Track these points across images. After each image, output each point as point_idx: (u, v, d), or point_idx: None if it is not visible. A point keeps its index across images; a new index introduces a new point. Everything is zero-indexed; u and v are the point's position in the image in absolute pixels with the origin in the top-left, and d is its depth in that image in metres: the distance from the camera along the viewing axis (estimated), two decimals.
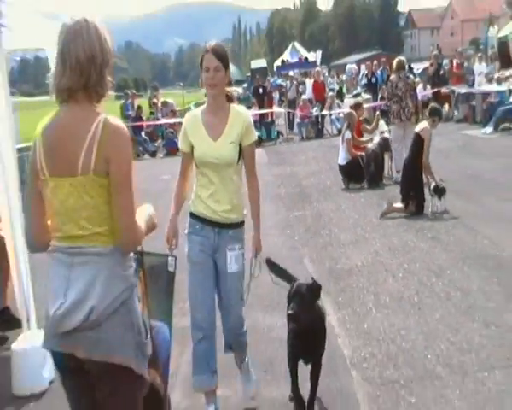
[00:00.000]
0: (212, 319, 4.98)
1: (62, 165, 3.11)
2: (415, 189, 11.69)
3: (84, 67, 3.12)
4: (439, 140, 17.30)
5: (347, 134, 14.96)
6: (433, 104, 13.21)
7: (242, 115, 4.96)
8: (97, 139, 3.08)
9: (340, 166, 14.98)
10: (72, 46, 3.12)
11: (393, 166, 14.83)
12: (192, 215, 5.01)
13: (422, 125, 12.07)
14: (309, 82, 30.40)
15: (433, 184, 11.56)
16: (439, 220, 10.96)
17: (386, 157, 15.11)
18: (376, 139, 15.15)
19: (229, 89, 5.01)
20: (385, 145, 14.91)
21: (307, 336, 4.87)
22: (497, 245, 9.20)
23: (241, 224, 5.00)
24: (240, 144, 4.86)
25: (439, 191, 11.49)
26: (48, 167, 3.13)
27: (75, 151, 3.07)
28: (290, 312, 4.71)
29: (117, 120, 3.21)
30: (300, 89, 30.21)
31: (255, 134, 5.06)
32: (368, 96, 24.97)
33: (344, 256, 9.43)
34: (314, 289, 4.88)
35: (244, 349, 5.35)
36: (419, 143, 11.69)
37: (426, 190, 11.63)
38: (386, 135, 15.15)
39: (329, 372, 5.59)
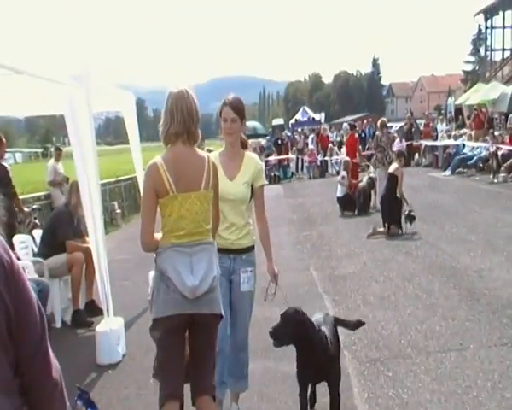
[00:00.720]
0: (226, 332, 4.28)
1: (189, 184, 3.48)
2: (393, 216, 11.66)
3: (186, 119, 3.48)
4: (412, 180, 17.28)
5: (344, 174, 15.21)
6: (399, 150, 13.51)
7: (254, 161, 4.43)
8: (210, 167, 3.59)
9: (338, 198, 15.05)
10: (178, 104, 3.50)
11: (377, 199, 14.80)
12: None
13: (394, 166, 12.12)
14: (311, 136, 30.55)
15: (406, 212, 11.54)
16: (411, 240, 10.91)
17: (372, 192, 15.10)
18: (365, 179, 15.13)
19: (245, 137, 4.49)
20: (371, 183, 14.92)
21: (307, 358, 4.09)
22: (453, 258, 9.15)
23: (252, 248, 4.40)
24: (252, 186, 4.34)
25: (410, 218, 11.48)
26: (176, 186, 3.44)
27: (198, 175, 3.53)
28: (270, 329, 4.01)
29: (212, 157, 3.80)
30: (307, 141, 30.21)
31: (264, 179, 4.55)
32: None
33: (340, 266, 9.41)
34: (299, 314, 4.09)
35: (243, 373, 4.52)
36: (393, 181, 11.74)
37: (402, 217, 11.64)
38: (372, 175, 15.15)
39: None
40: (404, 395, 4.84)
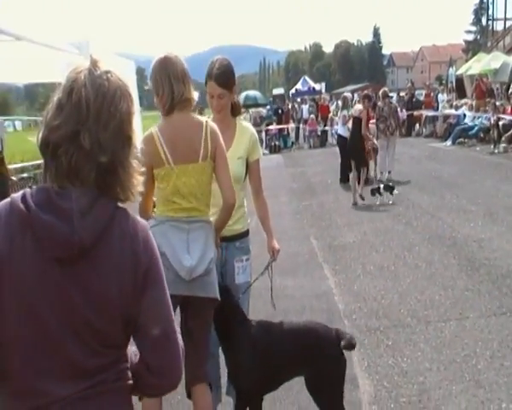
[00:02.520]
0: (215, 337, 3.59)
1: (186, 155, 3.19)
2: (360, 157, 12.28)
3: (179, 84, 3.20)
4: (412, 150, 17.23)
5: (344, 112, 14.81)
6: (365, 92, 13.58)
7: (249, 131, 3.83)
8: (208, 135, 3.23)
9: (340, 136, 14.79)
10: (169, 70, 3.21)
11: (378, 170, 14.75)
12: None
13: (358, 108, 12.64)
14: (305, 106, 30.38)
15: (383, 185, 12.04)
16: (411, 210, 10.87)
17: (372, 162, 14.94)
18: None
19: (236, 101, 3.83)
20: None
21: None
22: (453, 228, 9.13)
23: (246, 233, 3.81)
24: (246, 160, 3.77)
25: (389, 188, 11.76)
26: (173, 157, 3.18)
27: (195, 145, 3.21)
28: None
29: (211, 122, 3.36)
30: (310, 110, 30.03)
31: (260, 151, 3.94)
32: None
33: (340, 235, 9.40)
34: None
35: None
36: (357, 123, 12.28)
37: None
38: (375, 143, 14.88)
39: (327, 321, 5.57)
40: (404, 363, 4.87)
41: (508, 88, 22.15)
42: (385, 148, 14.59)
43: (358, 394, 4.44)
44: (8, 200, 1.60)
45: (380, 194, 11.72)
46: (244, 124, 3.91)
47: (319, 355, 3.39)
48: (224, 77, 3.58)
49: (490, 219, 9.56)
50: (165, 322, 1.70)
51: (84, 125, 1.57)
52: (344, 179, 14.37)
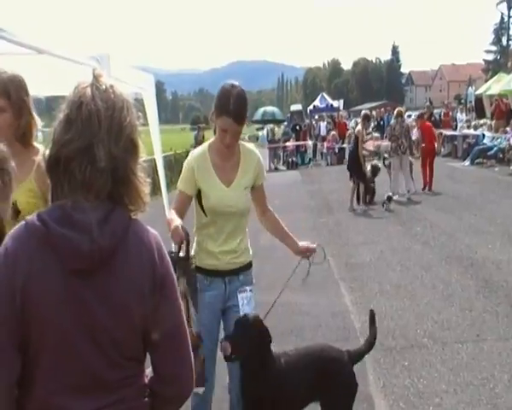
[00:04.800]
0: (211, 385, 3.43)
1: None
2: (358, 171, 13.41)
3: None
4: None
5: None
6: (364, 112, 14.54)
7: (255, 157, 3.49)
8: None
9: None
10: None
11: (391, 187, 14.62)
12: (198, 269, 3.37)
13: (358, 128, 13.92)
14: (323, 124, 30.55)
15: (386, 195, 13.32)
16: (428, 229, 10.79)
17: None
18: (368, 167, 14.23)
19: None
20: (374, 172, 14.32)
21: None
22: (470, 249, 9.06)
23: (250, 264, 3.54)
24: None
25: (389, 199, 13.23)
26: None
27: None
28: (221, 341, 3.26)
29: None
30: (327, 127, 30.06)
31: (265, 173, 3.63)
32: (377, 134, 24.97)
33: (357, 253, 9.36)
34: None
35: None
36: (356, 141, 13.56)
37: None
38: (376, 163, 14.74)
39: (343, 339, 5.58)
40: (420, 384, 4.82)
41: None
42: (397, 167, 14.57)
43: None
44: (22, 223, 1.62)
45: (385, 204, 13.15)
46: (248, 147, 3.53)
47: (335, 381, 3.37)
48: (243, 114, 3.25)
49: (508, 240, 9.46)
50: (179, 330, 1.73)
51: (97, 137, 1.59)
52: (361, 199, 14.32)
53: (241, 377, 3.25)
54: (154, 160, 10.06)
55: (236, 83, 3.29)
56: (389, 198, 13.31)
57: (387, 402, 4.56)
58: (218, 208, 3.33)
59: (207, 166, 3.36)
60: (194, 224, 3.48)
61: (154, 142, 8.76)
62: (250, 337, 3.12)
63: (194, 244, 3.45)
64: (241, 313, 3.32)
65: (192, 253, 3.33)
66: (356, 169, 13.48)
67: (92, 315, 1.58)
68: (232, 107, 3.17)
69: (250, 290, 3.48)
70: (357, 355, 3.63)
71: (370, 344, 3.74)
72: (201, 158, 3.39)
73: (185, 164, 3.43)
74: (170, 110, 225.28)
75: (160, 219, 9.46)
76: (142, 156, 1.73)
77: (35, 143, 2.92)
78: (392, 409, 4.45)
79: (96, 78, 1.68)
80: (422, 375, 4.97)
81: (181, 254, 3.09)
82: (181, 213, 3.31)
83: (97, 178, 1.59)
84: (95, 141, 1.59)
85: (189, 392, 1.78)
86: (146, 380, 1.75)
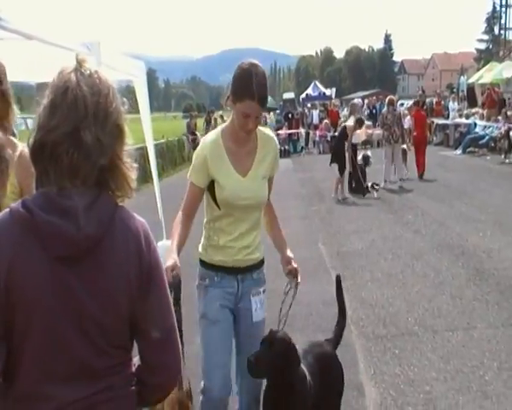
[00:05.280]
0: (229, 388, 3.14)
1: None
2: (340, 159, 13.31)
3: None
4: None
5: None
6: (358, 117, 14.25)
7: (272, 142, 3.18)
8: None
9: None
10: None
11: (384, 176, 14.68)
12: (206, 265, 3.13)
13: (350, 124, 13.64)
14: (315, 112, 30.55)
15: (370, 183, 13.50)
16: (420, 217, 10.82)
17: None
18: (360, 157, 14.23)
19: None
20: (366, 161, 14.25)
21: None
22: (461, 237, 9.09)
23: (262, 262, 3.22)
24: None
25: (373, 187, 13.48)
26: None
27: None
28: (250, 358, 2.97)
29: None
30: (320, 115, 30.06)
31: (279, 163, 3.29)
32: (369, 123, 24.93)
33: (348, 242, 9.37)
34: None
35: None
36: (344, 132, 13.52)
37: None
38: (368, 153, 14.78)
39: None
40: (410, 372, 4.83)
41: None
42: (389, 156, 14.62)
43: (365, 401, 4.41)
44: (6, 209, 1.60)
45: (369, 191, 13.41)
46: (265, 132, 3.20)
47: (331, 376, 3.38)
48: (267, 95, 2.94)
49: (499, 228, 9.51)
50: (167, 319, 1.72)
51: (83, 122, 1.57)
52: (352, 188, 14.30)
53: (266, 389, 3.13)
54: (146, 148, 10.02)
55: (255, 61, 2.96)
56: (372, 186, 13.50)
57: (378, 390, 4.57)
58: (232, 201, 3.00)
59: (221, 154, 3.02)
60: (204, 215, 3.19)
61: (145, 129, 8.71)
62: (275, 358, 2.95)
63: (203, 239, 3.19)
64: (254, 319, 3.13)
65: (199, 249, 3.18)
66: (340, 161, 13.32)
67: (79, 302, 1.57)
68: (256, 88, 2.84)
69: (263, 292, 3.20)
70: (337, 342, 3.60)
71: (343, 320, 3.71)
72: (214, 145, 3.04)
73: (196, 152, 3.13)
74: (162, 98, 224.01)
75: (151, 206, 9.50)
76: (128, 142, 1.71)
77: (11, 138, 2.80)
78: (382, 397, 4.46)
79: (79, 63, 1.65)
80: (413, 363, 4.99)
81: None
82: (191, 213, 3.09)
83: (85, 164, 1.58)
84: (81, 126, 1.57)
85: (175, 382, 1.78)
86: (133, 369, 1.74)
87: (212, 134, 3.13)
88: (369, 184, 13.54)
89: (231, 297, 3.12)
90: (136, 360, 1.76)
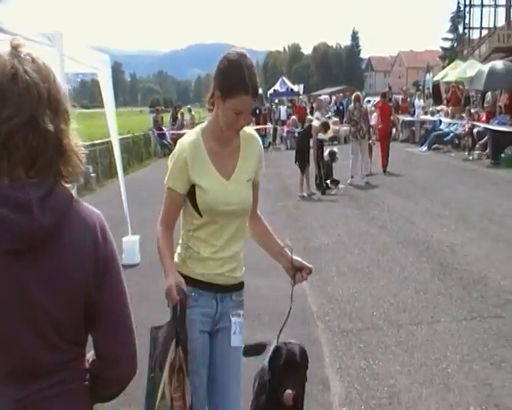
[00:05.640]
0: None
1: None
2: (303, 157, 13.33)
3: None
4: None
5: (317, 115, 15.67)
6: (324, 121, 14.64)
7: (257, 142, 2.90)
8: None
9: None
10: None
11: (350, 173, 14.80)
12: (185, 279, 2.65)
13: (316, 125, 13.69)
14: (283, 108, 30.72)
15: (330, 179, 13.67)
16: (385, 213, 10.94)
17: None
18: (326, 153, 14.29)
19: None
20: (332, 157, 14.32)
21: None
22: (426, 233, 9.23)
23: (243, 284, 2.92)
24: None
25: (335, 182, 13.72)
26: None
27: None
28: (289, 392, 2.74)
29: None
30: (287, 111, 30.15)
31: (264, 168, 3.01)
32: (336, 119, 25.14)
33: (315, 237, 9.42)
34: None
35: None
36: (309, 131, 13.68)
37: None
38: (334, 150, 14.88)
39: (300, 322, 5.62)
40: (375, 365, 4.88)
41: (483, 96, 22.42)
42: (356, 152, 14.75)
43: (330, 395, 4.44)
44: None
45: (329, 187, 13.56)
46: (248, 131, 2.88)
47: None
48: (258, 87, 2.68)
49: (462, 224, 9.68)
50: (122, 310, 1.70)
51: (39, 110, 1.52)
52: (317, 184, 14.37)
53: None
54: (111, 142, 9.90)
55: (242, 50, 2.70)
56: (333, 182, 13.69)
57: (343, 384, 4.61)
58: (216, 207, 2.70)
59: (202, 156, 2.72)
60: (181, 224, 2.87)
61: (109, 124, 8.61)
62: (303, 378, 2.85)
63: (180, 249, 2.85)
64: (232, 343, 2.81)
65: (176, 259, 2.82)
66: (302, 159, 13.37)
67: (30, 297, 1.53)
68: (249, 81, 2.57)
69: (242, 315, 2.89)
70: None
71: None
72: (194, 146, 2.72)
73: (174, 155, 2.76)
74: (128, 92, 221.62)
75: (116, 201, 9.31)
76: (73, 125, 1.66)
77: None
78: (347, 391, 4.50)
79: (14, 48, 1.57)
80: (378, 356, 5.05)
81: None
82: (172, 223, 2.79)
83: (44, 152, 1.53)
84: (37, 114, 1.52)
85: (130, 375, 1.74)
86: (87, 364, 1.71)
87: (191, 134, 2.82)
88: (329, 181, 13.60)
89: (209, 320, 2.79)
90: (90, 355, 1.73)
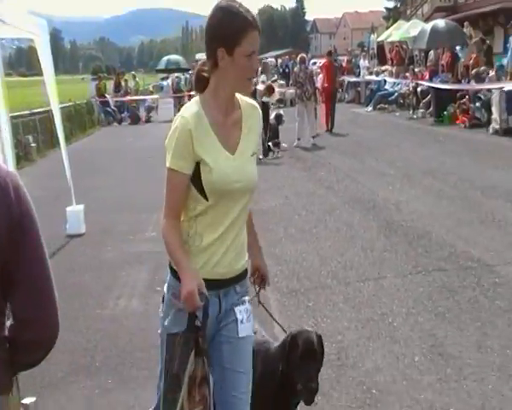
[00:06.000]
0: None
1: None
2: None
3: None
4: (335, 115, 17.39)
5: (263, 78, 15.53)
6: (269, 83, 14.44)
7: (258, 113, 2.58)
8: None
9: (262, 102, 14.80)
10: None
11: (296, 134, 14.82)
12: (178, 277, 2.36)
13: (261, 87, 13.41)
14: None
15: (273, 142, 13.40)
16: (332, 173, 11.05)
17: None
18: (273, 115, 14.33)
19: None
20: (278, 119, 14.39)
21: None
22: (372, 191, 9.37)
23: (247, 270, 2.60)
24: None
25: (277, 144, 13.52)
26: None
27: None
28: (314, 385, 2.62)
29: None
30: None
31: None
32: (282, 82, 25.16)
33: (262, 200, 9.37)
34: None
35: None
36: (253, 97, 13.29)
37: None
38: (281, 112, 14.93)
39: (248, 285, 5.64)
40: (323, 323, 4.96)
41: (426, 55, 22.72)
42: (302, 114, 14.78)
43: None
44: None
45: (271, 150, 13.29)
46: (248, 100, 2.58)
47: None
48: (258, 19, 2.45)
49: (407, 182, 9.87)
50: (41, 270, 1.66)
51: None
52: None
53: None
54: (51, 111, 9.62)
55: None
56: (275, 145, 13.51)
57: None
58: (224, 186, 2.36)
59: (205, 128, 2.38)
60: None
61: (49, 92, 8.36)
62: (320, 367, 2.77)
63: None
64: (240, 334, 2.47)
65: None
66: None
67: None
68: (250, 15, 2.36)
69: (249, 301, 2.57)
70: None
71: None
72: (197, 116, 2.38)
73: (175, 130, 2.37)
74: (69, 60, 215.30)
75: (58, 171, 9.07)
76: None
77: None
78: None
79: None
80: (326, 314, 5.12)
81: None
82: (180, 213, 2.42)
83: None
84: None
85: (51, 337, 1.70)
86: (6, 332, 1.66)
87: (191, 105, 2.47)
88: (271, 144, 13.47)
89: (212, 321, 2.43)
90: (10, 322, 1.68)
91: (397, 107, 21.12)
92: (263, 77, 15.07)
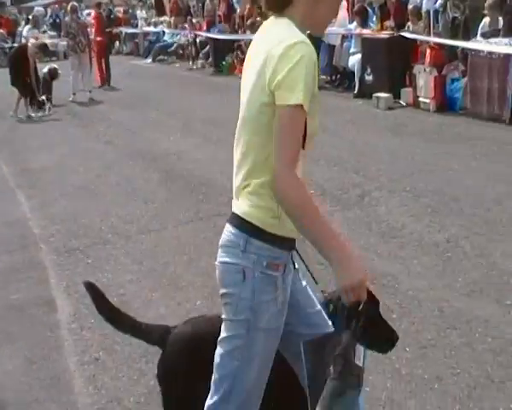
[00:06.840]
0: None
1: None
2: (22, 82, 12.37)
3: None
4: (113, 69, 16.84)
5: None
6: (40, 42, 14.47)
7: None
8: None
9: None
10: None
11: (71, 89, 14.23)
12: (282, 241, 2.02)
13: (32, 45, 13.06)
14: None
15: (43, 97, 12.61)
16: (112, 128, 10.84)
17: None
18: (46, 69, 13.67)
19: None
20: (53, 74, 13.71)
21: None
22: (153, 143, 9.40)
23: None
24: None
25: (50, 100, 12.82)
26: None
27: None
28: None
29: None
30: None
31: None
32: (53, 33, 24.00)
33: (35, 159, 8.95)
34: None
35: None
36: (25, 53, 12.57)
37: None
38: (55, 66, 14.24)
39: (22, 247, 5.41)
40: (105, 279, 4.88)
41: (203, 6, 22.98)
42: (77, 67, 14.25)
43: (57, 315, 4.36)
44: None
45: (44, 104, 12.55)
46: None
47: None
48: None
49: (188, 132, 10.05)
50: None
51: None
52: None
53: None
54: None
55: None
56: (46, 100, 12.76)
57: (70, 302, 4.53)
58: (316, 131, 2.03)
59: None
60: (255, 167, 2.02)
61: None
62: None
63: (261, 201, 2.01)
64: (304, 283, 2.25)
65: (261, 217, 2.02)
66: (19, 79, 12.45)
67: None
68: None
69: None
70: None
71: None
72: (314, 55, 1.93)
73: (303, 58, 1.86)
74: None
75: None
76: None
77: None
78: (75, 308, 4.43)
79: None
80: (107, 269, 5.06)
81: None
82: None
83: None
84: None
85: None
86: None
87: (299, 33, 1.94)
88: (43, 98, 12.70)
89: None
90: None
91: (176, 58, 21.24)
92: (27, 27, 14.19)
